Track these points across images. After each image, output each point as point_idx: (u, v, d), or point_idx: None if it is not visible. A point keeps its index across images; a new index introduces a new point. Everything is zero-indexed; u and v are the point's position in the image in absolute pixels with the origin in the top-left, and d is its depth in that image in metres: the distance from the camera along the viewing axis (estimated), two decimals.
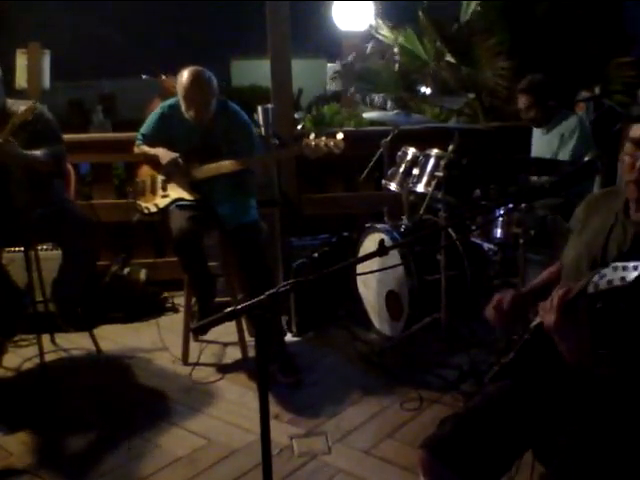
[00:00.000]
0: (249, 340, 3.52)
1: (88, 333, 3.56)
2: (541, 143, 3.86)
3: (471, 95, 6.21)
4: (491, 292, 3.47)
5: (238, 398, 3.13)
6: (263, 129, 3.90)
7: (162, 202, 3.44)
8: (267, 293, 1.44)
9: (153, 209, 3.46)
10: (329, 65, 10.55)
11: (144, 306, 4.17)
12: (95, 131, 8.23)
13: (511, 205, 2.97)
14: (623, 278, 1.29)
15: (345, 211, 4.75)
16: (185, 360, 3.48)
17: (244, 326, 3.52)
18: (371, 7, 8.02)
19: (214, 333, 3.51)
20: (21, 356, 3.53)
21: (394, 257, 3.46)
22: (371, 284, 3.78)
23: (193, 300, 3.51)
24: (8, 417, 2.98)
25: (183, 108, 3.33)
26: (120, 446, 2.74)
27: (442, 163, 3.39)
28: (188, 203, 3.37)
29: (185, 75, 3.29)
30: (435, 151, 3.54)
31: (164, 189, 3.47)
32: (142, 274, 4.26)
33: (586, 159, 3.57)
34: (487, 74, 5.58)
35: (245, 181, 3.43)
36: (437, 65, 6.17)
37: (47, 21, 12.71)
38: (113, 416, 2.99)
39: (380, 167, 3.94)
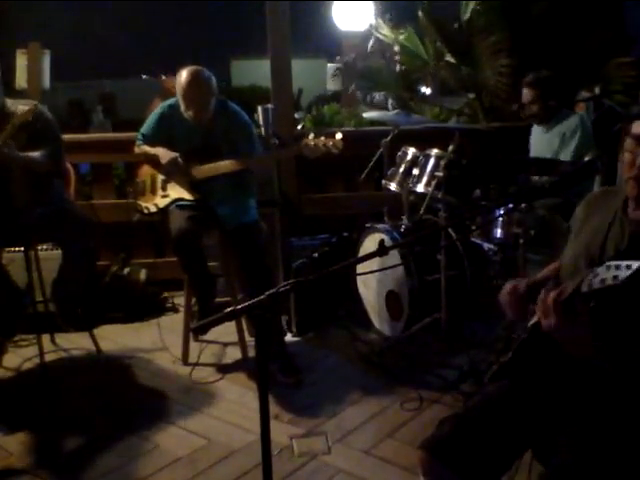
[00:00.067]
0: (249, 340, 3.52)
1: (88, 333, 3.56)
2: (541, 142, 3.86)
3: (471, 95, 6.21)
4: (491, 292, 3.52)
5: (238, 398, 3.13)
6: (263, 129, 3.90)
7: (162, 202, 3.45)
8: (267, 293, 1.44)
9: (153, 209, 3.47)
10: (329, 65, 10.53)
11: (144, 306, 4.16)
12: (95, 131, 8.22)
13: (511, 205, 2.97)
14: (616, 277, 1.29)
15: (345, 211, 4.75)
16: (185, 360, 3.48)
17: (244, 326, 3.52)
18: (371, 7, 8.01)
19: (214, 333, 3.51)
20: (21, 356, 3.53)
21: (394, 257, 3.46)
22: (371, 284, 3.78)
23: (193, 300, 3.51)
24: (8, 417, 2.98)
25: (182, 108, 3.33)
26: (120, 446, 2.74)
27: (442, 163, 3.39)
28: (188, 203, 3.37)
29: (184, 75, 3.29)
30: (435, 151, 3.54)
31: (164, 189, 3.47)
32: (142, 274, 4.26)
33: (586, 159, 3.57)
34: (487, 73, 5.58)
35: (245, 181, 3.43)
36: (437, 65, 6.17)
37: (47, 21, 12.71)
38: (113, 416, 2.99)
39: (380, 167, 3.94)
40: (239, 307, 1.45)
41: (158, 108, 3.58)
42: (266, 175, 3.74)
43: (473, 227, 3.56)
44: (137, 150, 3.57)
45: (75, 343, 3.71)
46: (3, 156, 3.02)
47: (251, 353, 3.52)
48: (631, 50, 5.82)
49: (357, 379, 3.29)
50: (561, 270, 1.81)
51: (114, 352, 3.65)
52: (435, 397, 3.04)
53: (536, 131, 3.95)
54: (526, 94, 3.81)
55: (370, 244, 3.77)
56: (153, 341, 3.71)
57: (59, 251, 3.43)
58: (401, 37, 6.39)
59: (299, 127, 5.72)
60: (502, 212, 3.23)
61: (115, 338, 3.82)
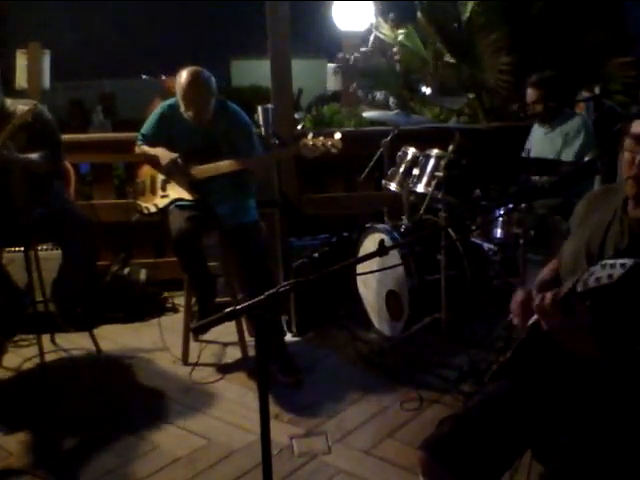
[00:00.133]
0: (249, 340, 3.52)
1: (88, 333, 3.56)
2: (543, 142, 3.86)
3: (471, 95, 6.21)
4: (491, 292, 3.52)
5: (238, 398, 3.13)
6: (263, 129, 3.90)
7: (161, 202, 3.45)
8: (267, 293, 1.44)
9: (153, 209, 3.47)
10: (329, 65, 10.53)
11: (144, 306, 4.16)
12: (95, 131, 8.22)
13: (511, 205, 2.97)
14: (610, 275, 1.29)
15: (345, 211, 4.75)
16: (185, 360, 3.48)
17: (244, 326, 3.52)
18: (371, 7, 8.01)
19: (214, 333, 3.51)
20: (21, 356, 3.53)
21: (394, 257, 3.46)
22: (371, 284, 3.78)
23: (193, 300, 3.51)
24: (8, 417, 2.99)
25: (182, 108, 3.33)
26: (120, 446, 2.74)
27: (442, 163, 3.39)
28: (188, 203, 3.37)
29: (184, 75, 3.29)
30: (435, 151, 3.54)
31: (163, 189, 3.47)
32: (142, 274, 4.26)
33: (586, 159, 3.58)
34: (488, 72, 5.58)
35: (245, 181, 3.43)
36: (437, 65, 6.17)
37: (47, 21, 12.71)
38: (113, 416, 2.99)
39: (380, 167, 3.94)
40: (239, 307, 1.45)
41: (158, 108, 3.59)
42: (266, 175, 3.74)
43: (473, 227, 3.56)
44: (137, 150, 3.57)
45: (75, 343, 3.71)
46: (2, 157, 3.02)
47: (251, 353, 3.52)
48: (631, 50, 5.82)
49: (357, 379, 3.29)
50: (560, 268, 1.81)
51: (114, 352, 3.65)
52: (435, 397, 3.04)
53: (537, 131, 3.95)
54: (530, 94, 3.82)
55: (370, 244, 3.77)
56: (153, 341, 3.71)
57: (59, 251, 3.43)
58: (400, 38, 6.39)
59: (299, 127, 5.72)
60: (502, 212, 3.23)
61: (115, 338, 3.82)
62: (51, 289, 3.38)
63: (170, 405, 3.08)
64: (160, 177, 3.49)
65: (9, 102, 3.22)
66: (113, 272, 4.16)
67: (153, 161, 3.46)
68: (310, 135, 3.17)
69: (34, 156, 3.13)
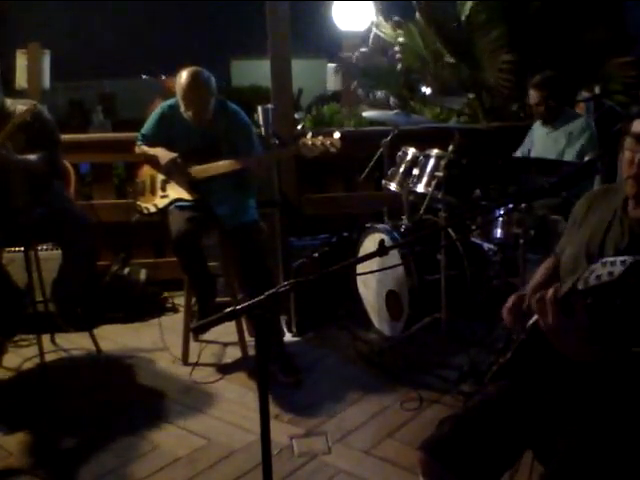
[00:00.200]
0: (249, 340, 3.52)
1: (88, 333, 3.56)
2: (546, 141, 3.86)
3: (471, 95, 6.21)
4: (491, 292, 3.52)
5: (238, 398, 3.13)
6: (263, 129, 3.90)
7: (161, 202, 3.45)
8: (267, 293, 1.44)
9: (152, 209, 3.47)
10: (329, 65, 10.53)
11: (144, 306, 4.16)
12: (95, 131, 8.24)
13: (511, 205, 2.97)
14: (611, 273, 1.29)
15: (345, 211, 4.75)
16: (185, 360, 3.48)
17: (244, 326, 3.52)
18: (371, 7, 8.01)
19: (214, 333, 3.52)
20: (21, 356, 3.53)
21: (394, 257, 3.46)
22: (371, 284, 3.78)
23: (193, 300, 3.51)
24: (8, 417, 2.99)
25: (182, 108, 3.34)
26: (120, 446, 2.74)
27: (442, 163, 3.39)
28: (187, 204, 3.37)
29: (183, 75, 3.29)
30: (435, 151, 3.54)
31: (163, 189, 3.47)
32: (142, 274, 4.25)
33: (586, 159, 3.58)
34: (488, 71, 5.57)
35: (244, 181, 3.43)
36: (437, 65, 6.16)
37: (47, 21, 12.71)
38: (113, 416, 2.99)
39: (380, 167, 3.94)
40: (239, 307, 1.45)
41: (158, 108, 3.59)
42: (266, 175, 3.74)
43: (473, 227, 3.56)
44: (137, 150, 3.57)
45: (75, 343, 3.71)
46: (1, 157, 3.02)
47: (251, 353, 3.52)
48: (631, 50, 5.82)
49: (357, 379, 3.29)
50: (561, 268, 1.81)
51: (114, 352, 3.65)
52: (435, 397, 3.04)
53: (539, 130, 3.95)
54: (533, 96, 3.82)
55: (370, 244, 3.77)
56: (153, 341, 3.71)
57: (59, 251, 3.43)
58: (400, 39, 6.39)
59: (299, 127, 5.72)
60: (502, 212, 3.23)
61: (115, 338, 3.82)
62: (51, 289, 3.38)
63: (170, 405, 3.08)
64: (160, 177, 3.49)
65: (9, 102, 3.21)
66: (113, 272, 4.16)
67: (153, 161, 3.46)
68: (309, 134, 3.17)
69: (32, 157, 3.13)
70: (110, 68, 14.83)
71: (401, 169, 3.71)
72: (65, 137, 3.64)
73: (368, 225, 3.79)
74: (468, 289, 3.56)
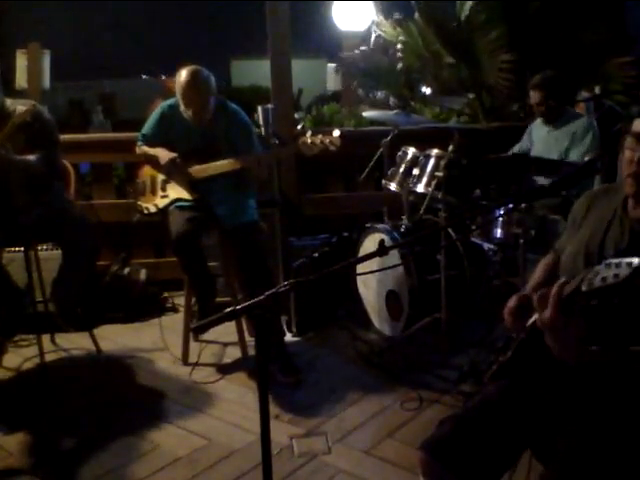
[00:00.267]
0: (249, 340, 3.52)
1: (88, 333, 3.56)
2: (547, 141, 3.86)
3: (471, 95, 6.21)
4: (491, 292, 3.52)
5: (238, 398, 3.13)
6: (263, 129, 3.90)
7: (161, 202, 3.45)
8: (267, 293, 1.44)
9: (153, 209, 3.47)
10: (329, 65, 10.54)
11: (144, 306, 4.16)
12: (95, 131, 8.23)
13: (511, 205, 2.97)
14: (616, 275, 1.28)
15: (345, 211, 4.75)
16: (185, 360, 3.48)
17: (244, 326, 3.52)
18: (371, 7, 8.01)
19: (214, 333, 3.52)
20: (21, 356, 3.53)
21: (394, 257, 3.46)
22: (371, 284, 3.78)
23: (193, 300, 3.51)
24: (8, 417, 2.99)
25: (182, 107, 3.34)
26: (120, 446, 2.74)
27: (442, 163, 3.39)
28: (188, 204, 3.38)
29: (183, 74, 3.29)
30: (435, 151, 3.54)
31: (163, 189, 3.47)
32: (142, 274, 4.25)
33: (586, 159, 3.58)
34: (488, 70, 5.57)
35: (244, 181, 3.43)
36: (437, 65, 6.16)
37: (47, 21, 12.72)
38: (113, 416, 2.99)
39: (380, 167, 3.94)
40: (239, 307, 1.45)
41: (158, 108, 3.59)
42: (266, 175, 3.74)
43: (473, 227, 3.56)
44: (138, 151, 3.57)
45: (75, 343, 3.71)
46: (1, 158, 3.03)
47: (251, 353, 3.52)
48: (631, 50, 5.82)
49: (357, 379, 3.29)
50: (560, 268, 1.81)
51: (114, 352, 3.65)
52: (435, 397, 3.04)
53: (540, 130, 3.95)
54: (533, 96, 3.82)
55: (370, 244, 3.77)
56: (153, 341, 3.71)
57: (59, 251, 3.43)
58: (400, 37, 6.39)
59: (299, 127, 5.72)
60: (502, 212, 3.23)
61: (115, 338, 3.82)
62: (51, 289, 3.38)
63: (170, 405, 3.08)
64: (160, 177, 3.50)
65: (9, 102, 3.21)
66: (113, 272, 4.16)
67: (153, 161, 3.46)
68: (309, 133, 3.17)
69: (31, 158, 3.13)
70: (110, 68, 14.84)
71: (401, 169, 3.71)
72: (65, 137, 3.64)
73: (368, 225, 3.79)
74: (468, 289, 3.56)
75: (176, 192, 3.42)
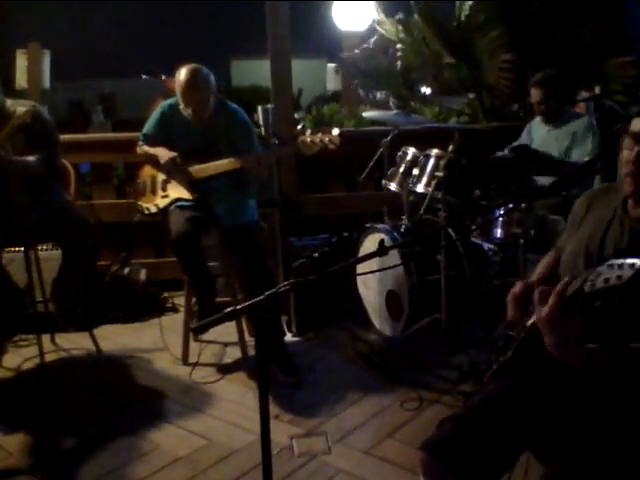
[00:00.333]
0: (249, 340, 3.52)
1: (88, 333, 3.57)
2: (547, 140, 3.86)
3: (471, 95, 6.21)
4: (491, 292, 3.52)
5: (238, 398, 3.13)
6: (263, 129, 3.90)
7: (162, 202, 3.45)
8: (267, 293, 1.44)
9: (153, 209, 3.47)
10: (329, 65, 10.53)
11: (144, 306, 4.17)
12: (95, 131, 8.22)
13: (511, 205, 2.97)
14: (620, 277, 1.28)
15: (345, 211, 4.75)
16: (185, 360, 3.48)
17: (244, 326, 3.52)
18: (371, 7, 8.01)
19: (214, 333, 3.52)
20: (21, 356, 3.53)
21: (394, 257, 3.46)
22: (371, 284, 3.78)
23: (193, 300, 3.51)
24: (8, 417, 2.99)
25: (181, 106, 3.34)
26: (120, 446, 2.74)
27: (442, 163, 3.39)
28: (188, 204, 3.38)
29: (182, 73, 3.29)
30: (435, 151, 3.54)
31: (164, 189, 3.47)
32: (142, 274, 4.26)
33: (586, 159, 3.58)
34: (488, 70, 5.57)
35: (245, 181, 3.43)
36: (437, 65, 6.16)
37: (47, 21, 12.70)
38: (113, 416, 2.99)
39: (380, 167, 3.95)
40: (239, 307, 1.45)
41: (158, 108, 3.59)
42: (267, 175, 3.74)
43: (473, 227, 3.56)
44: (138, 151, 3.58)
45: (75, 343, 3.71)
46: (0, 159, 3.03)
47: (251, 353, 3.52)
48: (631, 50, 5.82)
49: (357, 379, 3.29)
50: (560, 267, 1.81)
51: (114, 352, 3.65)
52: (435, 397, 3.04)
53: (540, 129, 3.94)
54: (534, 94, 3.83)
55: (370, 244, 3.77)
56: (153, 341, 3.71)
57: (59, 251, 3.43)
58: (401, 35, 6.38)
59: (299, 127, 5.72)
60: (502, 212, 3.23)
61: (115, 338, 3.82)
62: (51, 289, 3.38)
63: (170, 405, 3.08)
64: (160, 177, 3.50)
65: (9, 102, 3.22)
66: (113, 272, 4.16)
67: (153, 160, 3.47)
68: (308, 132, 3.18)
69: (31, 159, 3.14)
70: (110, 68, 14.83)
71: (401, 169, 3.71)
72: (65, 137, 3.64)
73: (368, 225, 3.79)
74: (468, 289, 3.56)
75: (177, 192, 3.42)
